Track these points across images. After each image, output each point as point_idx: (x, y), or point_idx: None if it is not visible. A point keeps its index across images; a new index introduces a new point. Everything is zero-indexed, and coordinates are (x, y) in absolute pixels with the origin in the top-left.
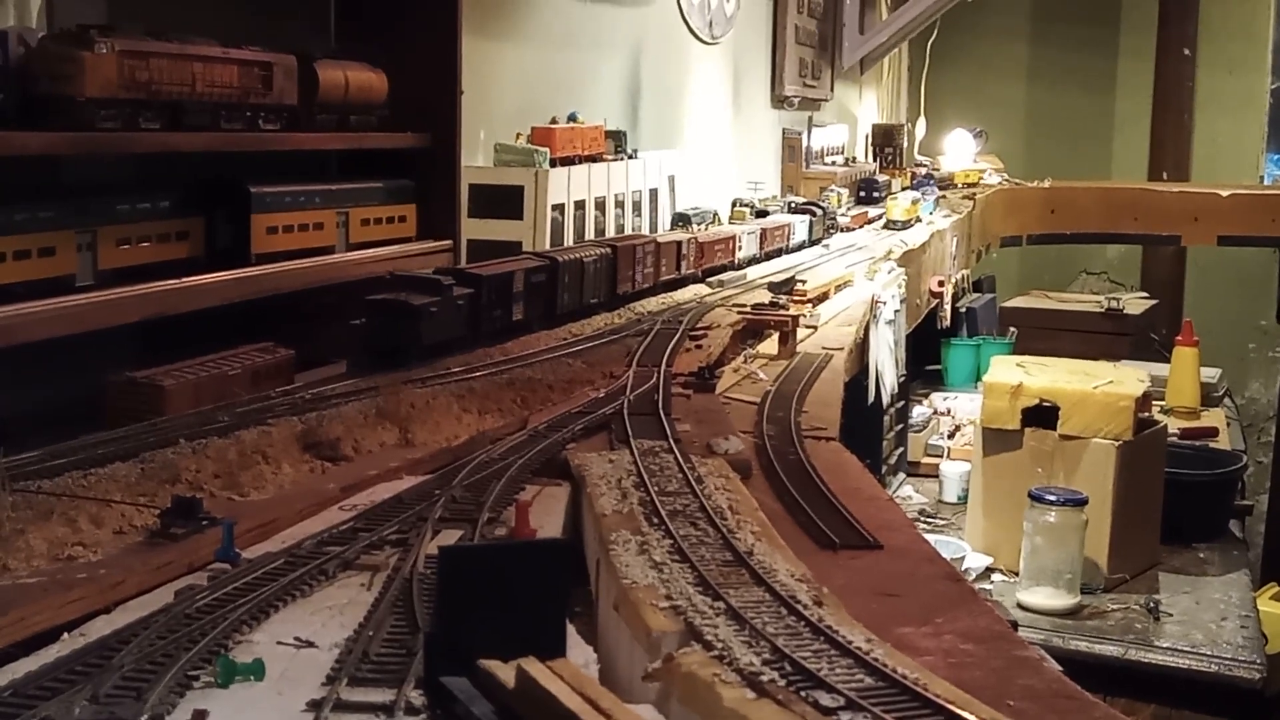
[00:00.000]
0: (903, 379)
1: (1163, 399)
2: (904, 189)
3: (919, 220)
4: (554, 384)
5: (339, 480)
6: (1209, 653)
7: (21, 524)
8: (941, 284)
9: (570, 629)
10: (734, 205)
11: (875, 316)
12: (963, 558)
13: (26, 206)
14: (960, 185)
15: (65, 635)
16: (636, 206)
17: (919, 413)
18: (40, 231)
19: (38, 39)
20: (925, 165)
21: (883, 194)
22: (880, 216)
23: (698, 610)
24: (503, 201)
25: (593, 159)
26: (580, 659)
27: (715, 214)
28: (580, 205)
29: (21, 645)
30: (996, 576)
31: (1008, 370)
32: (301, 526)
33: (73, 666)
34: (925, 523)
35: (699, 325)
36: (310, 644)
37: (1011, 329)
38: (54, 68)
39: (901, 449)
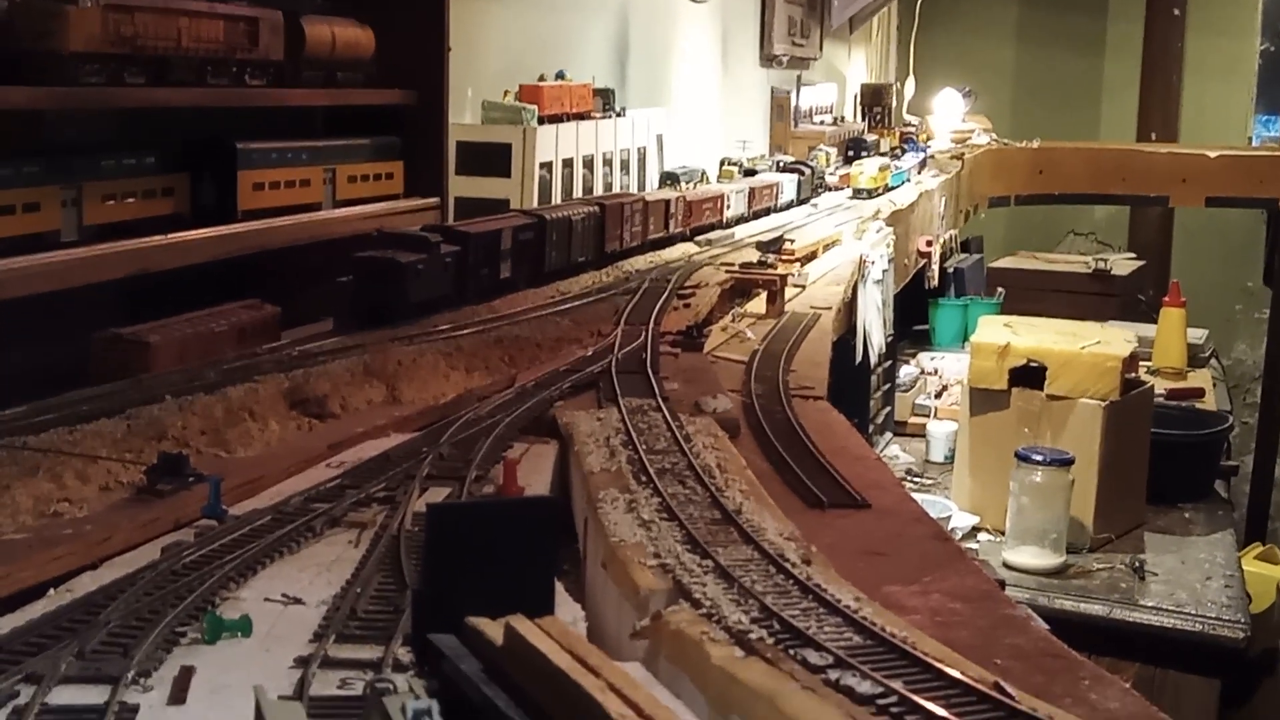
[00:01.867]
0: (890, 338)
1: (1149, 359)
2: (893, 149)
3: (887, 188)
4: (541, 342)
5: (326, 437)
6: (1193, 612)
7: (7, 480)
8: (929, 244)
9: (558, 586)
10: (722, 164)
11: (863, 276)
12: (949, 517)
13: (11, 162)
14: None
15: (51, 591)
16: (624, 165)
17: (906, 372)
18: (25, 187)
19: None
20: (913, 125)
21: (871, 153)
22: None
23: (686, 568)
24: (490, 159)
25: (581, 117)
26: (568, 616)
27: (703, 173)
28: (568, 163)
29: (7, 601)
30: (983, 536)
31: (995, 330)
32: (289, 483)
33: (59, 623)
34: (912, 482)
35: (687, 284)
36: (298, 601)
37: (999, 289)
38: (37, 22)
39: (889, 408)
